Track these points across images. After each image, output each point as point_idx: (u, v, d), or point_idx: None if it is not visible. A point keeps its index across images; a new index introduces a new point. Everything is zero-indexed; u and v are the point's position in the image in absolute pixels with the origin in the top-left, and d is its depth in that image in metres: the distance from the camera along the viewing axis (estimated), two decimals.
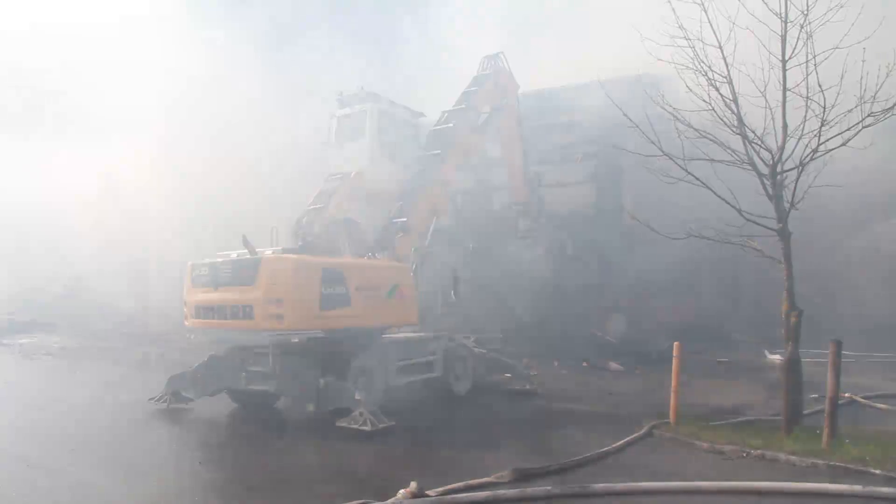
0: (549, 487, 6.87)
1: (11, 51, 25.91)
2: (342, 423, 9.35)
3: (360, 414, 9.30)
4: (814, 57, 8.44)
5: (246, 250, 10.18)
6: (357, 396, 9.49)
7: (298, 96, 21.07)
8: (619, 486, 7.00)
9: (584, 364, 16.91)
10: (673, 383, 9.73)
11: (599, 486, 6.93)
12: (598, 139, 12.31)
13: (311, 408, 9.68)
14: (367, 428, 9.11)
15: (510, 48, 17.00)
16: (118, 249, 23.94)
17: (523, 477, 7.21)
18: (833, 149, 8.63)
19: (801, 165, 8.77)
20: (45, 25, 24.36)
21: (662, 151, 9.44)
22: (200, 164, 22.21)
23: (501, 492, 6.76)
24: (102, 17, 24.67)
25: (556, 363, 16.84)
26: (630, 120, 9.65)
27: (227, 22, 23.35)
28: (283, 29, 25.75)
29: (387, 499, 6.30)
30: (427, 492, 6.46)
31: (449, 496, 6.52)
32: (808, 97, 8.50)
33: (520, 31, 24.80)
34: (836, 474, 7.49)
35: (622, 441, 8.88)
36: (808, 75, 8.46)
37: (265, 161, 20.70)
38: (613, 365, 16.53)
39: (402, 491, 6.39)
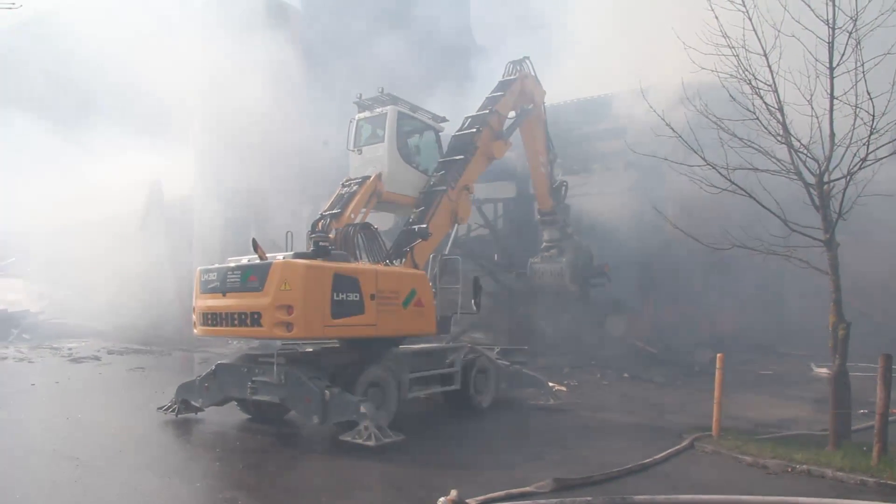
0: (589, 498, 6.82)
1: (58, 58, 26.77)
2: (346, 437, 8.86)
3: (366, 428, 8.76)
4: (862, 64, 8.26)
5: (256, 255, 9.78)
6: (362, 409, 8.96)
7: (327, 101, 21.22)
8: (660, 498, 6.92)
9: (625, 375, 16.75)
10: (716, 395, 9.61)
11: (640, 497, 6.87)
12: (640, 148, 12.14)
13: (315, 420, 9.18)
14: (371, 443, 8.57)
15: (553, 55, 16.93)
16: (163, 254, 24.51)
17: (564, 487, 7.18)
18: (883, 158, 8.44)
19: (849, 175, 8.59)
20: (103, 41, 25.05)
21: (706, 161, 9.35)
22: (242, 169, 22.63)
23: (542, 501, 6.74)
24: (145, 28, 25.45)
25: (598, 375, 16.71)
26: (672, 130, 9.58)
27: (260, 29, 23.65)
28: (315, 36, 26.00)
29: None
30: (467, 500, 6.48)
31: None
32: (856, 105, 8.33)
33: (562, 38, 24.79)
34: (886, 492, 7.29)
35: (664, 453, 8.78)
36: (856, 83, 8.28)
37: (308, 168, 20.93)
38: (655, 376, 16.33)
39: (442, 499, 6.41)
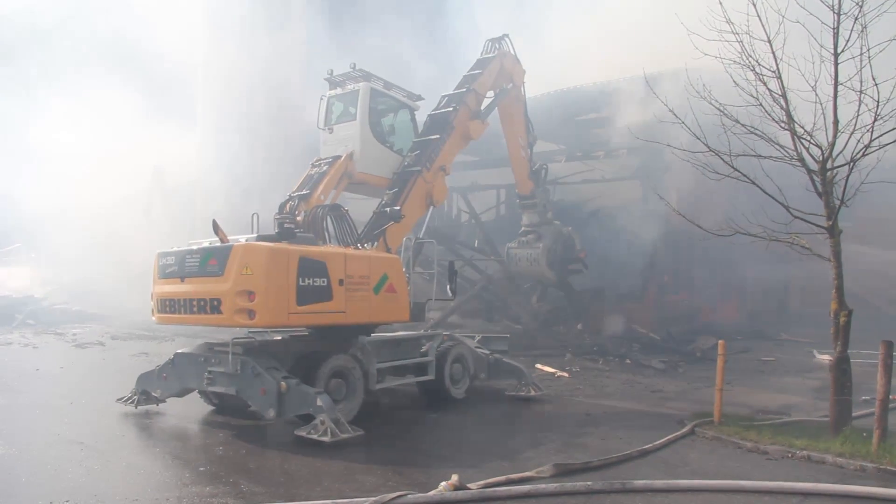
0: (589, 483, 6.87)
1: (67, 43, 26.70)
2: (300, 432, 8.39)
3: (322, 422, 8.27)
4: (868, 49, 8.21)
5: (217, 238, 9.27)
6: (319, 402, 8.43)
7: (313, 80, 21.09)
8: (660, 483, 6.97)
9: (627, 362, 16.78)
10: (717, 382, 9.64)
11: (640, 482, 6.92)
12: (643, 134, 11.85)
13: (271, 413, 8.62)
14: (327, 439, 8.10)
15: (553, 41, 16.70)
16: (166, 241, 24.59)
17: (564, 472, 7.23)
18: (887, 144, 8.40)
19: (853, 161, 8.57)
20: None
21: (709, 147, 9.32)
22: (245, 155, 22.65)
23: (541, 486, 6.78)
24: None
25: (600, 361, 16.72)
26: (675, 115, 9.55)
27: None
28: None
29: (427, 491, 6.39)
30: (468, 485, 6.53)
31: (489, 489, 6.58)
32: (861, 91, 8.27)
33: (564, 23, 24.61)
34: (885, 478, 7.34)
35: (664, 439, 8.83)
36: (861, 68, 8.23)
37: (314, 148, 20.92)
38: (656, 363, 16.35)
39: (443, 483, 6.48)
